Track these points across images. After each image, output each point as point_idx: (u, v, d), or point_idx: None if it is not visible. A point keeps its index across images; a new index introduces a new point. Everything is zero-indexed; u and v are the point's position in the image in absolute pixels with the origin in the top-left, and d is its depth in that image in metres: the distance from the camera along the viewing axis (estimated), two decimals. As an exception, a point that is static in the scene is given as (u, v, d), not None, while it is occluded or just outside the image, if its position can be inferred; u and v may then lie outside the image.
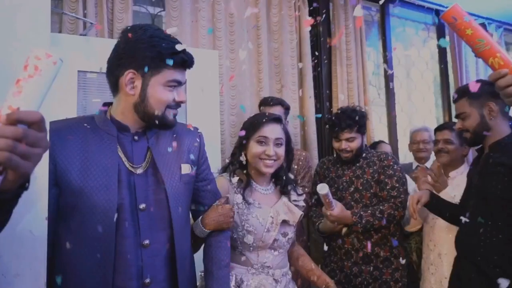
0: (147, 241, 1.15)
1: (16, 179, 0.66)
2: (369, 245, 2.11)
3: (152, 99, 1.13)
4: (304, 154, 2.70)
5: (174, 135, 1.28)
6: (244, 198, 1.53)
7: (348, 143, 2.14)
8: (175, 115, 1.20)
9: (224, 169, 1.67)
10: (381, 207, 2.09)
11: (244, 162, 1.59)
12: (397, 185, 2.11)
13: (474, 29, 1.00)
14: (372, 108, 3.79)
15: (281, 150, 1.56)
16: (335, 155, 2.35)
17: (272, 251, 1.54)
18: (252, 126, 1.58)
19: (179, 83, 1.17)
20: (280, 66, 3.32)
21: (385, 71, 4.13)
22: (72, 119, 1.23)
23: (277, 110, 2.54)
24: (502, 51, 1.01)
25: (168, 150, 1.22)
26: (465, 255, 1.71)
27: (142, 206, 1.15)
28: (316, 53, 3.47)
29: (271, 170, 1.55)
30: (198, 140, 1.33)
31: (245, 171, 1.61)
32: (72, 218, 1.10)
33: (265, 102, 2.66)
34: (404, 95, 4.43)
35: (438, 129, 2.36)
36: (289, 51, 3.34)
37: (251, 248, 1.51)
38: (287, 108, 2.66)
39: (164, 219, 1.18)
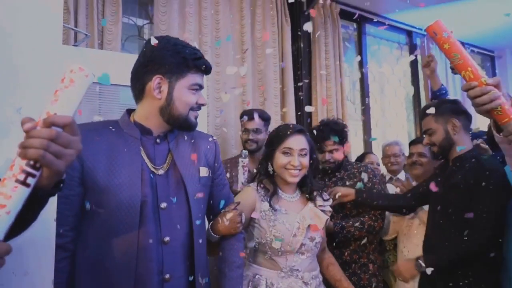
0: (167, 238, 1.21)
1: (50, 176, 0.74)
2: (347, 252, 2.22)
3: (177, 101, 1.22)
4: None
5: (192, 140, 1.35)
6: (270, 205, 1.61)
7: (331, 154, 2.23)
8: (196, 117, 1.28)
9: (252, 179, 1.76)
10: (361, 219, 2.19)
11: (271, 172, 1.67)
12: None
13: (450, 44, 1.11)
14: (349, 122, 3.95)
15: (306, 160, 1.63)
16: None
17: (300, 255, 1.60)
18: (277, 138, 1.65)
19: (201, 87, 1.26)
20: (263, 80, 3.45)
21: (362, 87, 4.32)
22: (98, 123, 1.30)
23: (256, 122, 2.59)
24: (474, 65, 1.12)
25: (187, 154, 1.29)
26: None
27: (163, 205, 1.21)
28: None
29: (296, 180, 1.63)
30: (214, 147, 1.41)
31: (272, 180, 1.68)
32: (98, 215, 1.16)
33: (245, 114, 2.69)
34: (379, 110, 4.63)
35: (412, 143, 2.52)
36: (271, 66, 3.47)
37: (279, 253, 1.57)
38: (266, 120, 2.70)
39: (184, 218, 1.24)
